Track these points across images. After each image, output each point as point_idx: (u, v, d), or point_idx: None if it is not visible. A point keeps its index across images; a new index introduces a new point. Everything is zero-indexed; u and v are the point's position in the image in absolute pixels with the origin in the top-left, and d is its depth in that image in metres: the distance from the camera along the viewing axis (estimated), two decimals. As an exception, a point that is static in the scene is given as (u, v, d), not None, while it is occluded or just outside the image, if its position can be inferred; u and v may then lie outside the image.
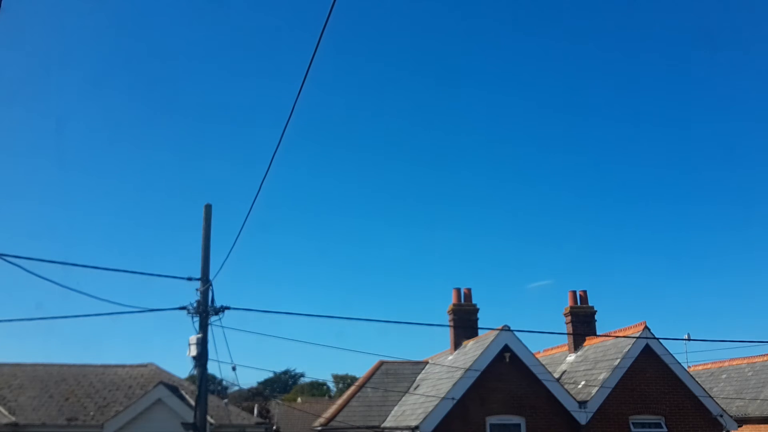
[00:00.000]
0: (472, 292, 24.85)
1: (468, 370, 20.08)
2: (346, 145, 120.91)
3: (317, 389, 79.89)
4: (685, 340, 32.37)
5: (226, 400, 24.84)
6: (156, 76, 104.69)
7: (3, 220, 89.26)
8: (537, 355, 22.52)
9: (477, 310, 24.60)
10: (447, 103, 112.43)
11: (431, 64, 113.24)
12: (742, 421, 24.13)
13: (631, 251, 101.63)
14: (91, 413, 22.38)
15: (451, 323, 24.68)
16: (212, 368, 18.65)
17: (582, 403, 20.15)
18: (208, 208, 15.47)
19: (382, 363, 26.03)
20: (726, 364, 30.73)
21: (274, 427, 42.29)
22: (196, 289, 14.57)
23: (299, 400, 61.59)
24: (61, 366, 25.39)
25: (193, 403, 18.01)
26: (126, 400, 23.04)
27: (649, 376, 21.07)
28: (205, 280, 14.73)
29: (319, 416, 25.16)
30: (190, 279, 14.53)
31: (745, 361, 29.45)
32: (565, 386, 21.10)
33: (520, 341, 20.57)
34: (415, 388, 23.96)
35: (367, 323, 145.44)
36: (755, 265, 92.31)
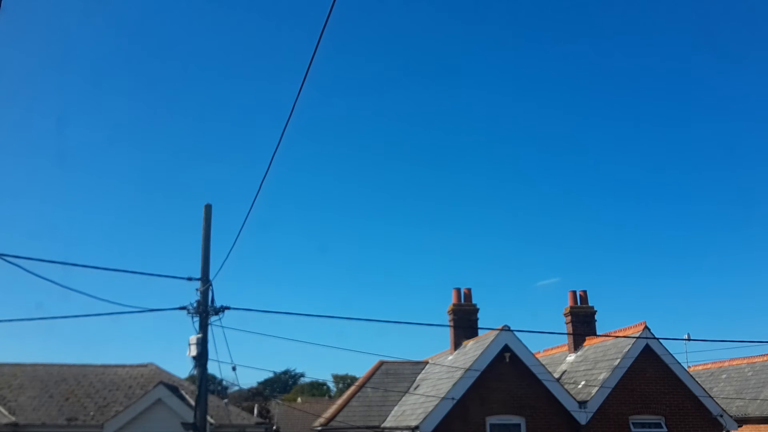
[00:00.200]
0: (473, 292, 24.89)
1: (468, 370, 20.07)
2: (346, 145, 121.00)
3: (317, 389, 79.89)
4: (685, 340, 32.39)
5: (226, 400, 24.85)
6: (156, 76, 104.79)
7: (3, 220, 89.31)
8: (537, 355, 22.52)
9: (477, 310, 24.61)
10: (447, 103, 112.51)
11: (431, 64, 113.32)
12: (742, 421, 24.13)
13: (631, 251, 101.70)
14: (91, 413, 22.38)
15: (451, 323, 24.68)
16: (212, 368, 18.66)
17: (582, 403, 20.15)
18: (208, 208, 15.48)
19: (382, 363, 26.03)
20: (726, 364, 30.73)
21: (274, 427, 42.29)
22: (196, 289, 14.57)
23: (299, 400, 61.58)
24: (61, 366, 25.39)
25: (193, 403, 18.02)
26: (126, 400, 23.05)
27: (649, 376, 21.07)
28: (205, 280, 14.74)
29: (319, 416, 25.16)
30: (190, 279, 14.53)
31: (745, 361, 29.45)
32: (565, 386, 21.10)
33: (520, 341, 20.57)
34: (415, 388, 23.96)
35: (367, 323, 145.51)
36: (755, 265, 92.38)
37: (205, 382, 14.68)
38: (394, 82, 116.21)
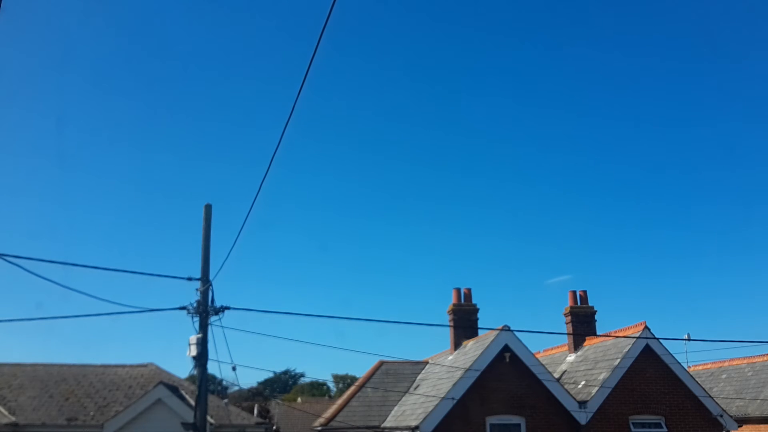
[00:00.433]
0: (473, 292, 24.90)
1: (468, 370, 20.07)
2: (346, 145, 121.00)
3: (317, 389, 79.89)
4: (685, 340, 32.36)
5: (226, 400, 24.84)
6: (156, 76, 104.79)
7: (3, 220, 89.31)
8: (537, 355, 22.52)
9: (477, 310, 24.61)
10: (447, 103, 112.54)
11: (431, 65, 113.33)
12: (742, 421, 24.12)
13: (631, 251, 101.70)
14: (91, 413, 22.38)
15: (451, 323, 24.68)
16: (212, 368, 18.66)
17: (582, 403, 20.14)
18: (208, 209, 15.48)
19: (382, 363, 26.02)
20: (726, 364, 30.72)
21: (274, 427, 42.29)
22: (196, 289, 14.57)
23: (299, 400, 61.59)
24: (61, 366, 25.39)
25: (193, 403, 18.01)
26: (126, 400, 23.05)
27: (649, 376, 21.06)
28: (205, 280, 14.73)
29: (319, 416, 25.16)
30: (190, 279, 14.53)
31: (745, 361, 29.45)
32: (565, 386, 21.09)
33: (520, 341, 20.57)
34: (415, 388, 23.95)
35: (367, 323, 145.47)
36: (755, 265, 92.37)
37: (205, 382, 14.68)
38: (394, 82, 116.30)
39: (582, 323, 24.48)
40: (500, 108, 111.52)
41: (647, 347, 21.04)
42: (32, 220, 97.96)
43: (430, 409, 19.54)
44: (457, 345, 24.67)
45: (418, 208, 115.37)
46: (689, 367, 31.36)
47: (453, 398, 19.50)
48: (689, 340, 32.40)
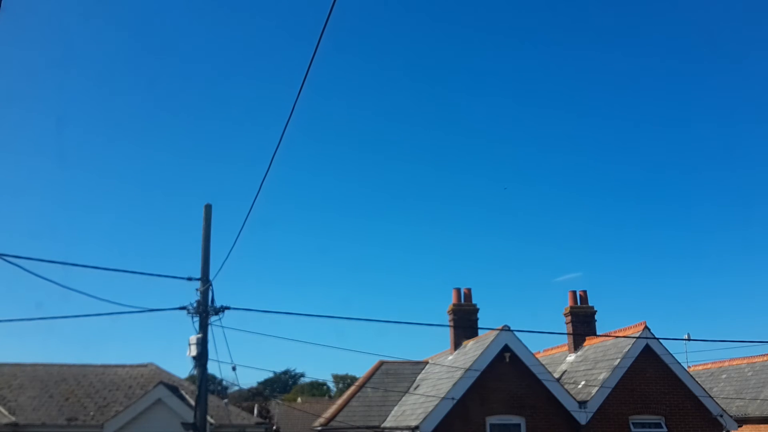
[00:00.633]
0: (473, 292, 24.90)
1: (468, 370, 20.07)
2: (346, 145, 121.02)
3: (317, 389, 79.93)
4: (685, 340, 32.38)
5: (226, 400, 24.84)
6: (156, 75, 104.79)
7: (3, 220, 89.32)
8: (537, 355, 22.52)
9: (477, 310, 24.61)
10: (447, 103, 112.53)
11: (431, 65, 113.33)
12: (742, 421, 24.12)
13: (631, 251, 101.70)
14: (91, 413, 22.38)
15: (451, 323, 24.68)
16: (212, 368, 18.66)
17: (582, 403, 20.15)
18: (208, 208, 15.48)
19: (382, 363, 26.02)
20: (726, 364, 30.72)
21: (274, 427, 42.31)
22: (196, 289, 14.57)
23: (299, 400, 61.62)
24: (61, 366, 25.39)
25: (193, 403, 18.02)
26: (126, 400, 23.05)
27: (649, 376, 21.06)
28: (205, 280, 14.73)
29: (319, 416, 25.16)
30: (190, 279, 14.53)
31: (745, 361, 29.44)
32: (565, 386, 21.09)
33: (520, 341, 20.57)
34: (415, 388, 23.96)
35: (367, 323, 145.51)
36: (755, 265, 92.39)
37: (205, 382, 14.68)
38: (394, 82, 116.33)
39: (582, 323, 24.48)
40: (500, 108, 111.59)
41: (647, 347, 21.04)
42: (32, 220, 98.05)
43: (430, 409, 19.54)
44: (457, 345, 24.67)
45: (418, 208, 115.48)
46: (689, 367, 31.36)
47: (453, 398, 19.50)
48: (689, 340, 32.44)
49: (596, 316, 24.62)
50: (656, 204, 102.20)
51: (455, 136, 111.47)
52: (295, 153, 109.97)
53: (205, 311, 14.45)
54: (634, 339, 20.99)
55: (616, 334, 22.46)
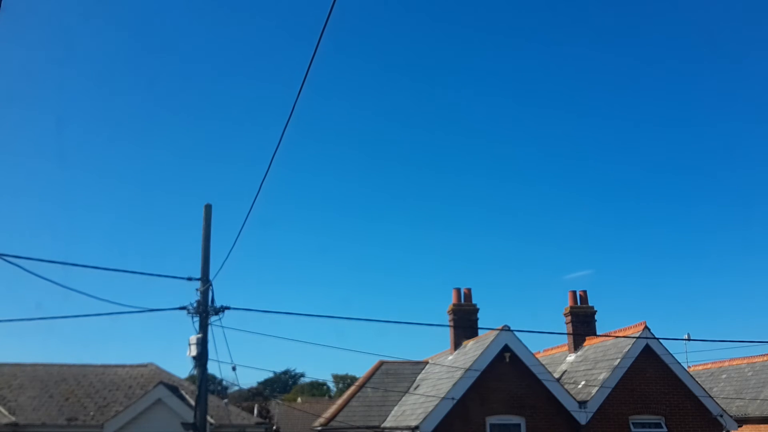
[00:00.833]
0: (474, 291, 24.91)
1: (468, 370, 20.07)
2: (346, 145, 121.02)
3: (317, 389, 79.93)
4: (685, 340, 32.36)
5: (226, 400, 24.84)
6: (157, 75, 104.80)
7: (3, 220, 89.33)
8: (537, 355, 22.52)
9: (477, 310, 24.61)
10: (447, 103, 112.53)
11: (431, 65, 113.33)
12: (742, 421, 24.12)
13: (631, 251, 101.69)
14: (91, 413, 22.38)
15: (451, 323, 24.68)
16: (212, 368, 18.65)
17: (582, 403, 20.14)
18: (208, 209, 15.48)
19: (382, 363, 26.02)
20: (726, 364, 30.71)
21: (274, 427, 42.31)
22: (196, 289, 14.57)
23: (299, 400, 61.62)
24: (61, 366, 25.39)
25: (193, 403, 18.01)
26: (126, 400, 23.04)
27: (649, 376, 21.06)
28: (205, 280, 14.73)
29: (319, 416, 25.16)
30: (190, 279, 14.53)
31: (745, 361, 29.44)
32: (565, 386, 21.09)
33: (520, 341, 20.57)
34: (415, 388, 23.95)
35: (367, 323, 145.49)
36: (755, 265, 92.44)
37: (205, 382, 14.68)
38: (394, 82, 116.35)
39: (582, 323, 24.48)
40: (500, 108, 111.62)
41: (647, 347, 21.04)
42: (32, 220, 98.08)
43: (430, 409, 19.54)
44: (457, 345, 24.67)
45: (418, 208, 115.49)
46: (689, 367, 31.36)
47: (453, 398, 19.49)
48: (689, 340, 32.42)
49: (597, 316, 24.66)
50: (656, 204, 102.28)
51: (455, 136, 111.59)
52: (295, 153, 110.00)
53: (205, 311, 14.45)
54: (634, 339, 20.98)
55: (616, 334, 22.46)
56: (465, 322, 24.41)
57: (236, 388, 53.07)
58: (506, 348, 20.41)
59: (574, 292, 24.64)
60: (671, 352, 21.31)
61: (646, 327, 21.23)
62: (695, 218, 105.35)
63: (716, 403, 21.56)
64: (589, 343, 24.22)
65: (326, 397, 68.69)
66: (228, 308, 14.59)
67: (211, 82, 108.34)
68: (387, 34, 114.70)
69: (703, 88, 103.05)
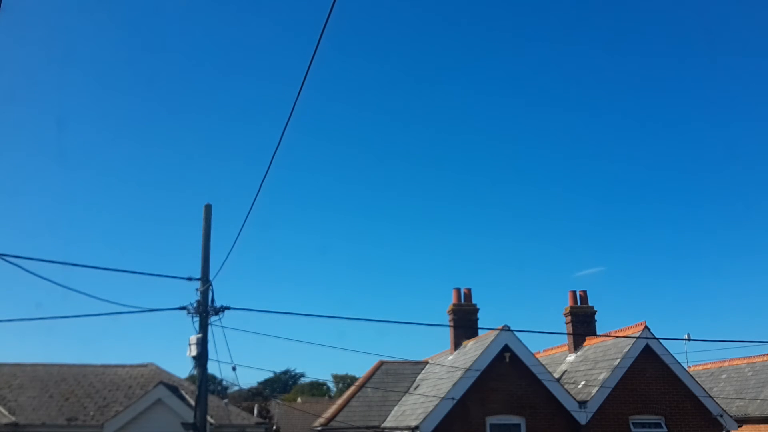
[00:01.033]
0: (474, 291, 24.90)
1: (468, 370, 20.07)
2: (346, 145, 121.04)
3: (317, 389, 79.93)
4: (685, 340, 32.33)
5: (226, 400, 24.83)
6: (157, 74, 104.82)
7: (3, 219, 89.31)
8: (537, 355, 22.52)
9: (477, 310, 24.60)
10: (447, 103, 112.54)
11: (431, 65, 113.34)
12: (742, 421, 24.12)
13: (631, 251, 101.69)
14: (91, 413, 22.38)
15: (451, 323, 24.67)
16: (212, 368, 18.63)
17: (582, 403, 20.14)
18: (208, 209, 15.47)
19: (382, 363, 26.02)
20: (726, 364, 30.71)
21: (274, 427, 42.33)
22: (196, 289, 14.57)
23: (299, 400, 61.62)
24: (61, 366, 25.38)
25: (193, 403, 18.01)
26: (126, 400, 23.04)
27: (649, 376, 21.06)
28: (205, 280, 14.73)
29: (319, 416, 25.16)
30: (190, 279, 14.53)
31: (745, 361, 29.43)
32: (565, 386, 21.09)
33: (520, 341, 20.57)
34: (415, 388, 23.95)
35: (367, 323, 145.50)
36: (755, 265, 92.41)
37: (205, 382, 14.67)
38: (394, 82, 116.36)
39: (582, 323, 24.47)
40: (500, 108, 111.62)
41: (647, 347, 21.04)
42: (32, 219, 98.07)
43: (430, 409, 19.53)
44: (457, 345, 24.67)
45: (417, 208, 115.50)
46: (689, 367, 31.35)
47: (453, 398, 19.49)
48: (689, 340, 32.39)
49: (598, 316, 24.67)
50: (656, 204, 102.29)
51: (455, 135, 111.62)
52: (295, 153, 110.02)
53: (205, 311, 14.45)
54: (634, 339, 20.98)
55: (616, 334, 22.46)
56: (465, 322, 24.41)
57: (236, 388, 53.14)
58: (506, 348, 20.40)
59: (574, 292, 24.65)
60: (671, 352, 21.35)
61: (646, 327, 21.23)
62: (695, 218, 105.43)
63: (716, 403, 21.56)
64: (589, 343, 24.22)
65: (326, 397, 68.68)
66: (228, 308, 14.59)
67: (211, 82, 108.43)
68: (388, 34, 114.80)
69: (703, 88, 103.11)
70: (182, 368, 46.29)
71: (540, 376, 20.34)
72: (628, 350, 20.90)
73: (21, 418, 21.67)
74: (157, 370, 25.54)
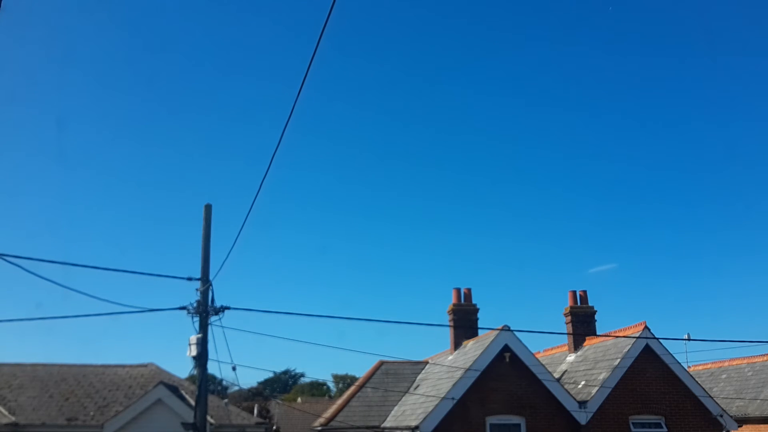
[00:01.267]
0: (474, 291, 24.91)
1: (468, 370, 20.07)
2: (346, 145, 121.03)
3: (317, 389, 79.91)
4: (685, 340, 32.34)
5: (226, 400, 24.83)
6: (158, 74, 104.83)
7: (3, 219, 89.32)
8: (537, 355, 22.52)
9: (477, 310, 24.61)
10: (447, 103, 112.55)
11: (431, 65, 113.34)
12: (742, 421, 24.12)
13: (631, 251, 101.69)
14: (91, 413, 22.38)
15: (451, 323, 24.67)
16: (212, 368, 18.62)
17: (582, 403, 20.14)
18: (208, 209, 15.47)
19: (382, 363, 26.02)
20: (726, 364, 30.71)
21: (274, 427, 42.32)
22: (196, 289, 14.57)
23: (299, 400, 61.61)
24: (61, 366, 25.39)
25: (193, 403, 18.01)
26: (126, 400, 23.05)
27: (649, 376, 21.06)
28: (205, 280, 14.73)
29: (319, 416, 25.16)
30: (190, 279, 14.53)
31: (745, 361, 29.43)
32: (565, 386, 21.09)
33: (520, 341, 20.57)
34: (415, 388, 23.95)
35: (367, 323, 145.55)
36: (755, 265, 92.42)
37: (205, 382, 14.67)
38: (394, 82, 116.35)
39: (582, 323, 24.48)
40: (500, 108, 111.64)
41: (647, 347, 21.04)
42: (32, 219, 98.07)
43: (430, 409, 19.53)
44: (457, 345, 24.67)
45: (417, 208, 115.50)
46: (689, 367, 31.35)
47: (453, 398, 19.49)
48: (689, 340, 32.40)
49: (597, 316, 24.67)
50: (656, 204, 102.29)
51: (455, 135, 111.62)
52: (295, 153, 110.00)
53: (205, 311, 14.45)
54: (634, 339, 20.98)
55: (616, 334, 22.46)
56: (465, 322, 24.41)
57: (236, 388, 53.12)
58: (506, 348, 20.40)
59: (574, 292, 24.65)
60: (671, 352, 21.35)
61: (646, 327, 21.23)
62: (695, 218, 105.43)
63: (716, 403, 21.56)
64: (589, 343, 24.22)
65: (326, 397, 68.67)
66: (228, 308, 14.59)
67: (211, 82, 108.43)
68: (388, 34, 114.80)
69: (703, 88, 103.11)
70: (182, 368, 46.31)
71: (540, 376, 20.34)
72: (628, 350, 20.90)
73: (21, 418, 21.67)
74: (157, 370, 25.54)
